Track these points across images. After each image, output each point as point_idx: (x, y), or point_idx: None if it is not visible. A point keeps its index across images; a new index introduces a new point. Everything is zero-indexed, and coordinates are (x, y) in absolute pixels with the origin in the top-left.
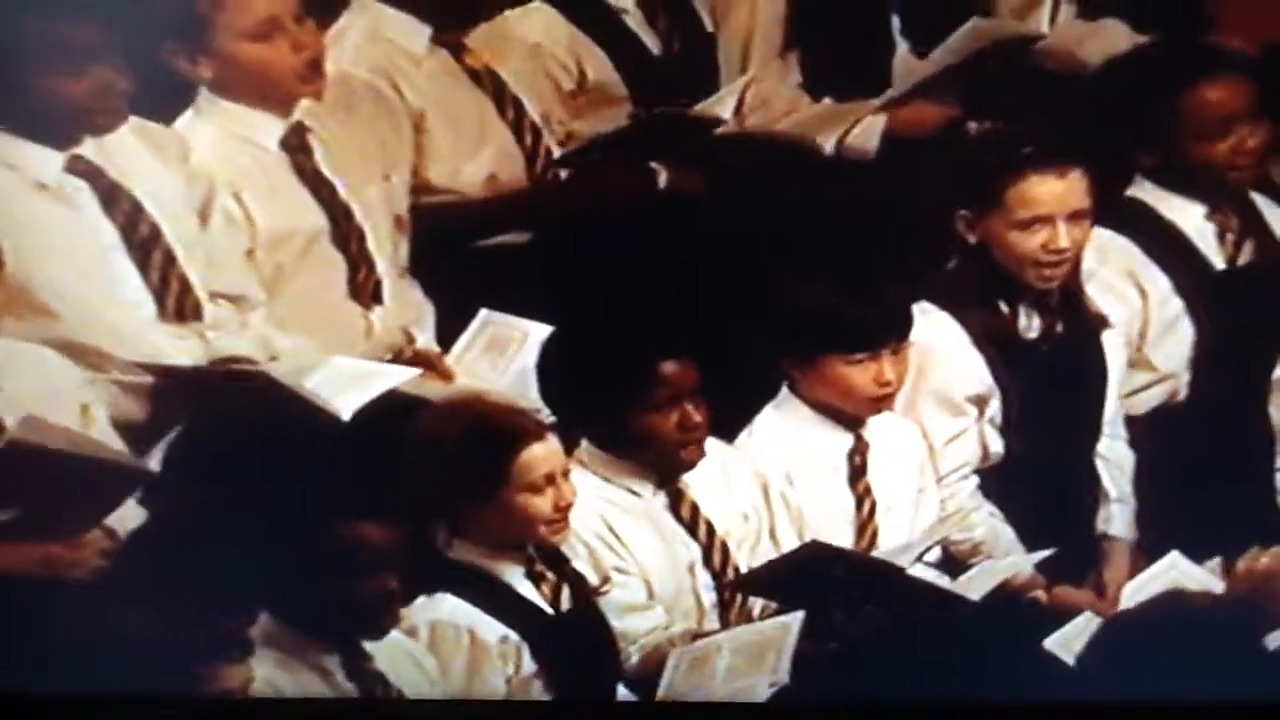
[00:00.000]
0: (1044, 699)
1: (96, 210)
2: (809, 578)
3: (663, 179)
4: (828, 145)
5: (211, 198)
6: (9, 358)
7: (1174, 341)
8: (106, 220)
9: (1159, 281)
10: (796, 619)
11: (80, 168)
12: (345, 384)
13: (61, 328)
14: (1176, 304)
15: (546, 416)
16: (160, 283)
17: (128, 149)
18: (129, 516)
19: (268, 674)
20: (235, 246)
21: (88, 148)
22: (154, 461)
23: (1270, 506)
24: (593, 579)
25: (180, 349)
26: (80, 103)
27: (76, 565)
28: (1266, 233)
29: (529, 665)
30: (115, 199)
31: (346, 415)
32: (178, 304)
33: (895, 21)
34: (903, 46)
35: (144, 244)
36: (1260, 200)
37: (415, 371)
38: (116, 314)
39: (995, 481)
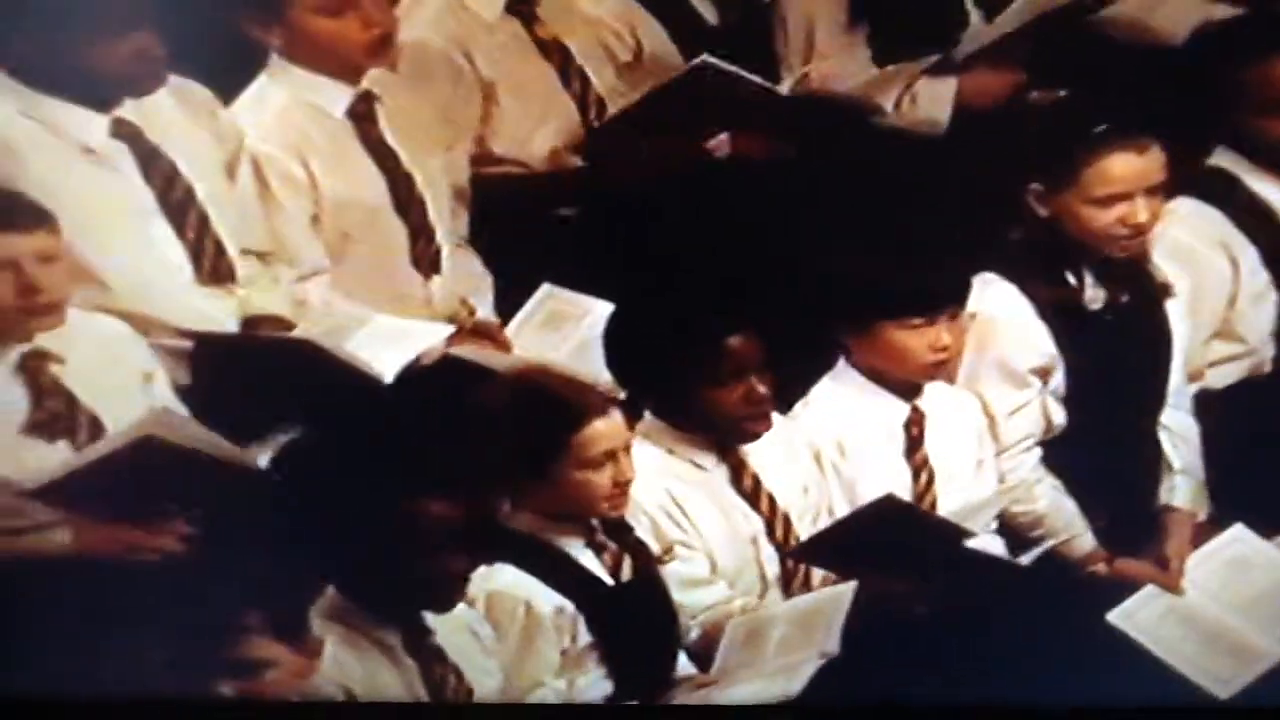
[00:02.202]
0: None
1: (136, 174)
2: (874, 543)
3: (724, 146)
4: (888, 104)
5: (239, 153)
6: (71, 327)
7: (1262, 313)
8: (144, 184)
9: (1249, 252)
10: (849, 588)
11: (123, 130)
12: (387, 343)
13: (111, 297)
14: (1264, 276)
15: (610, 390)
16: (196, 244)
17: (162, 109)
18: None
19: (331, 651)
20: (298, 211)
21: (128, 109)
22: (262, 459)
23: None
24: (656, 550)
25: (219, 309)
26: (121, 67)
27: (155, 550)
28: None
29: (585, 637)
30: (154, 161)
31: (389, 377)
32: (213, 265)
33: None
34: (975, 17)
35: (180, 206)
36: None
37: (450, 329)
38: (159, 278)
39: (1058, 453)
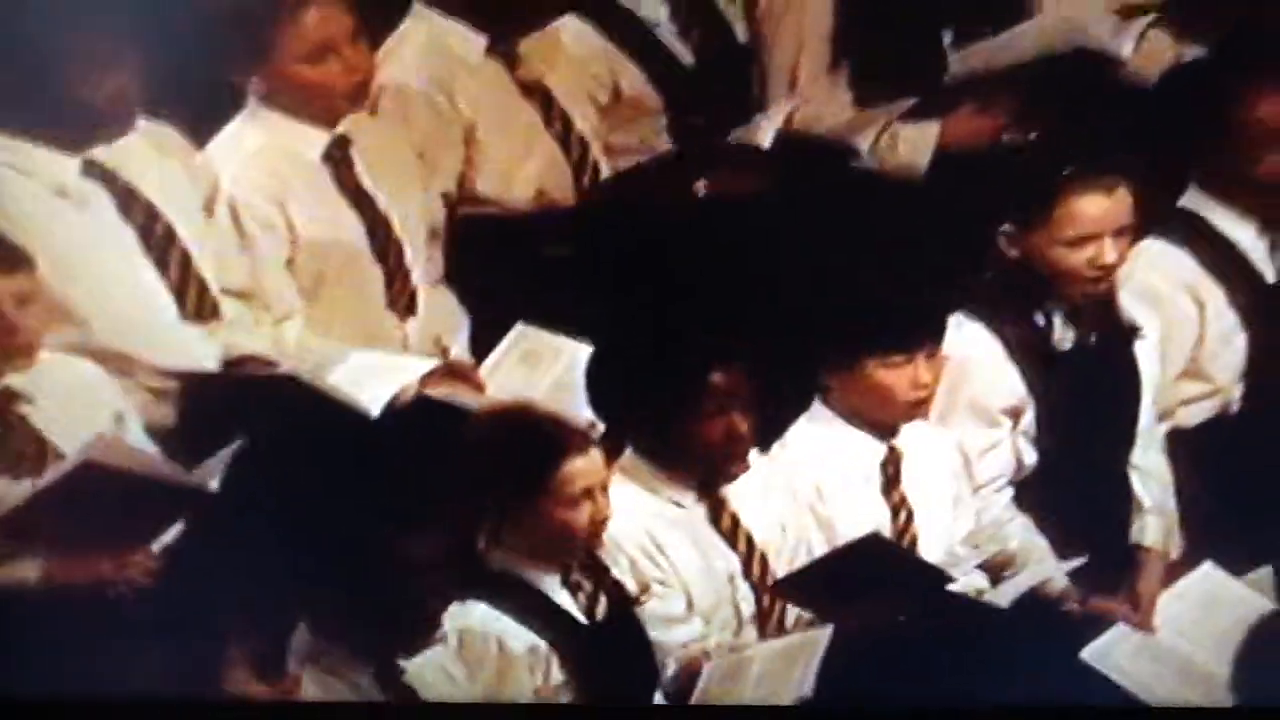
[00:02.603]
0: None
1: (114, 213)
2: (855, 581)
3: (701, 191)
4: (864, 146)
5: (216, 194)
6: (42, 368)
7: (1230, 352)
8: (124, 223)
9: (1215, 293)
10: (825, 633)
11: (95, 171)
12: (368, 378)
13: (91, 335)
14: (1232, 316)
15: (591, 429)
16: (180, 283)
17: (135, 150)
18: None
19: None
20: (274, 253)
21: (98, 151)
22: (212, 480)
23: None
24: (632, 589)
25: (201, 349)
26: (97, 108)
27: (122, 581)
28: None
29: (557, 675)
30: (131, 201)
31: (375, 411)
32: (197, 304)
33: (947, 37)
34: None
35: (161, 244)
36: None
37: (433, 362)
38: (142, 317)
39: (1030, 492)
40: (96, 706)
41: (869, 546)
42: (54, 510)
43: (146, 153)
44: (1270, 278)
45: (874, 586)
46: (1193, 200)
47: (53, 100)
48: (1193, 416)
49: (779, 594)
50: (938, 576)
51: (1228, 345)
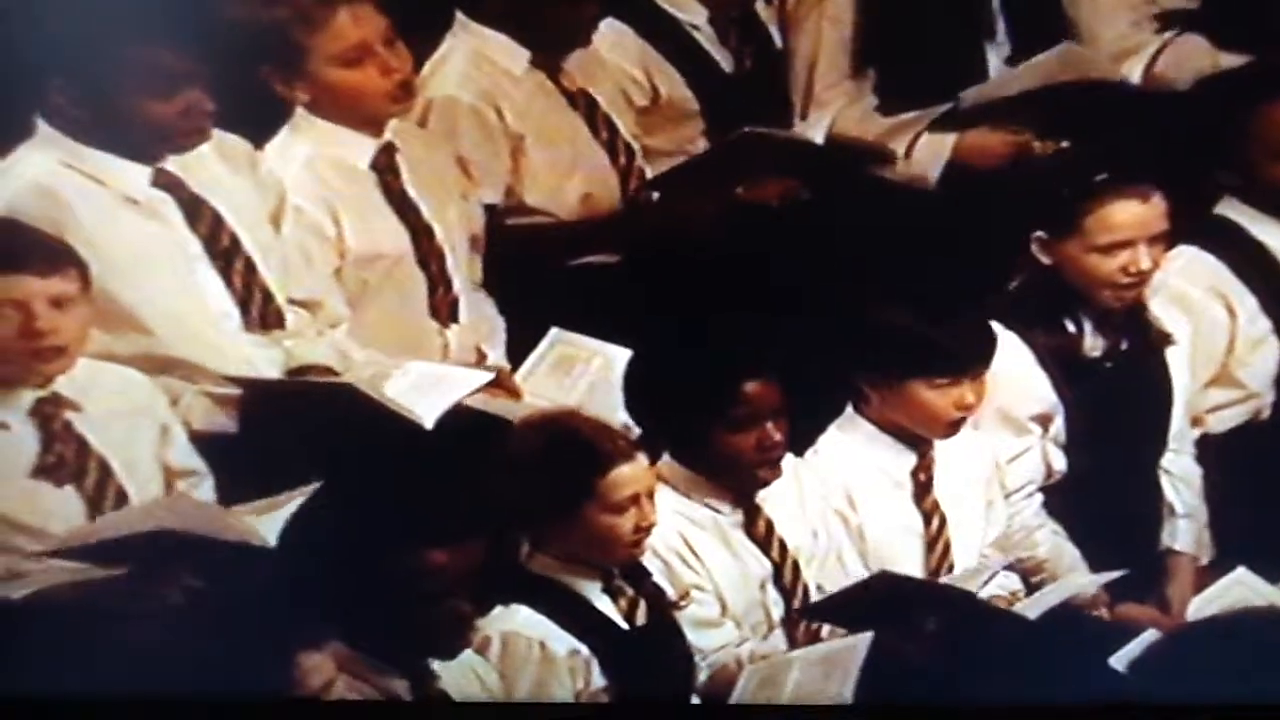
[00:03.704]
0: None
1: (181, 223)
2: (877, 605)
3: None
4: (900, 149)
5: (283, 205)
6: (92, 377)
7: (1261, 360)
8: (190, 232)
9: (1246, 300)
10: (865, 639)
11: (164, 180)
12: (425, 390)
13: (155, 343)
14: (1264, 323)
15: (634, 434)
16: (244, 292)
17: (204, 161)
18: None
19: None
20: (324, 263)
21: (169, 162)
22: (271, 535)
23: None
24: (671, 594)
25: (266, 358)
26: (169, 123)
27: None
28: None
29: (598, 680)
30: (198, 210)
31: (429, 423)
32: (261, 313)
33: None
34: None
35: (226, 254)
36: None
37: (489, 375)
38: (206, 326)
39: (1059, 498)
40: (96, 706)
41: (880, 584)
42: (110, 551)
43: (215, 163)
44: None
45: (897, 612)
46: (1228, 206)
47: (125, 114)
48: (1223, 422)
49: (804, 619)
50: (958, 596)
51: (1259, 352)
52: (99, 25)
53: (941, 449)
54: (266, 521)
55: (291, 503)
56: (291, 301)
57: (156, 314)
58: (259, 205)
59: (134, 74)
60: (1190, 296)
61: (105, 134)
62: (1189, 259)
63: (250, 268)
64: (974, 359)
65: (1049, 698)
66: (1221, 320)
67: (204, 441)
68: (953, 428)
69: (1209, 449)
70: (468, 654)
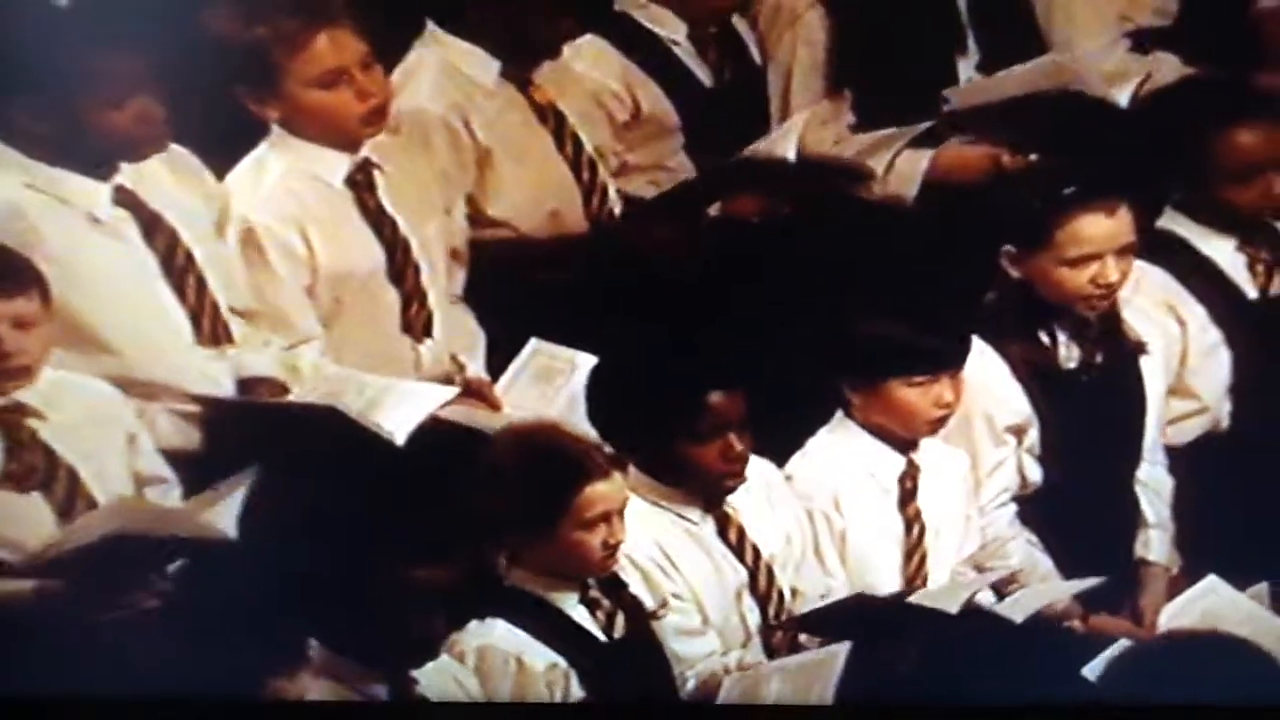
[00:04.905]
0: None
1: (139, 240)
2: (854, 622)
3: (714, 208)
4: (879, 168)
5: (225, 217)
6: (58, 387)
7: (1214, 369)
8: (148, 250)
9: (1196, 311)
10: (843, 648)
11: (124, 199)
12: (389, 404)
13: (118, 362)
14: (1215, 333)
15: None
16: (195, 306)
17: (155, 174)
18: None
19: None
20: (296, 282)
21: (125, 175)
22: (230, 526)
23: None
24: (649, 604)
25: (217, 370)
26: (124, 131)
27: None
28: None
29: (576, 692)
30: (155, 227)
31: (400, 439)
32: (211, 327)
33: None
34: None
35: (180, 270)
36: None
37: (453, 390)
38: (166, 343)
39: (1034, 509)
40: (97, 706)
41: (856, 604)
42: (74, 563)
43: (166, 176)
44: (1252, 295)
45: (874, 629)
46: (1171, 220)
47: (82, 123)
48: (1183, 434)
49: (782, 630)
50: (934, 617)
51: (1211, 362)
52: (59, 35)
53: (927, 458)
54: (216, 514)
55: (233, 492)
56: (234, 312)
57: (122, 336)
58: (206, 217)
59: (88, 80)
60: (1143, 309)
61: (63, 147)
62: (1137, 271)
63: (201, 283)
64: (949, 356)
65: (1028, 698)
66: (1173, 331)
67: (170, 453)
68: (935, 425)
69: (1171, 460)
70: (448, 663)
